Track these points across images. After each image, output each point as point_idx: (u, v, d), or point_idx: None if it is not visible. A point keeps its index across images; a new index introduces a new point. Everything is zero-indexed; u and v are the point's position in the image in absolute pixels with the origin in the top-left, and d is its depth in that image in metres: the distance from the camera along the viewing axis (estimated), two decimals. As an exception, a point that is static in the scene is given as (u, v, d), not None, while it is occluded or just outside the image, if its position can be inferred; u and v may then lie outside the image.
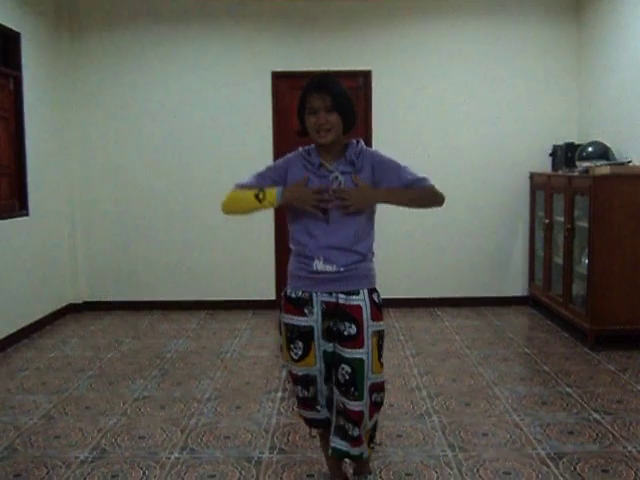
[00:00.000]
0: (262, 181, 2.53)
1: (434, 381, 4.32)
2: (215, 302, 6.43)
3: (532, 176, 6.34)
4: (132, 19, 6.31)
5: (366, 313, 2.47)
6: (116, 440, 3.44)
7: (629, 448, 3.24)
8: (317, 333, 2.50)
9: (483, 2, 6.30)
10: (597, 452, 3.21)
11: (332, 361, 2.52)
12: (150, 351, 5.12)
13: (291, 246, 2.58)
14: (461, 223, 6.45)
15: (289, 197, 2.45)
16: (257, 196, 2.46)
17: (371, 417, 2.57)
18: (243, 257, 6.40)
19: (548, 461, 3.12)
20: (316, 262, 2.46)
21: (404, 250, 6.44)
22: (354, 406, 2.49)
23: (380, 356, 2.53)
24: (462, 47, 6.32)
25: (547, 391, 4.10)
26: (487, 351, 4.99)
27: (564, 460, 3.13)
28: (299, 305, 2.51)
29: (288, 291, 2.56)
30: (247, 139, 6.34)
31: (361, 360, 2.46)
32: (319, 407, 2.62)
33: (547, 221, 5.85)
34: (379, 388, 2.56)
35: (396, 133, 6.32)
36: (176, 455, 3.26)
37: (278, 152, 6.18)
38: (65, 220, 6.35)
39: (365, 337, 2.45)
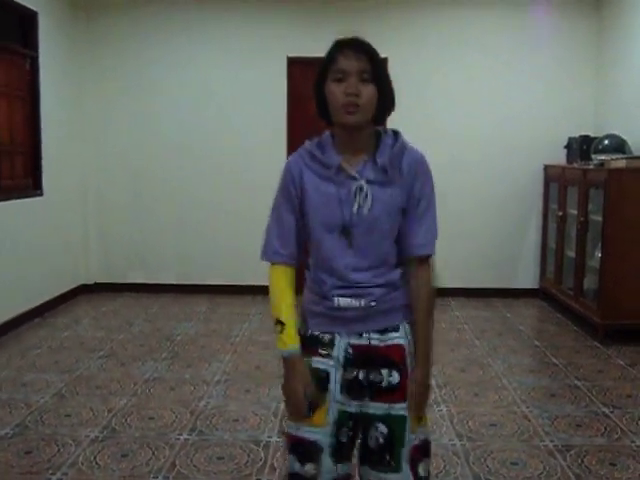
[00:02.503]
0: (284, 228, 1.87)
1: (443, 371, 4.32)
2: (226, 286, 6.46)
3: (546, 168, 6.30)
4: (149, 1, 6.29)
5: (410, 355, 1.83)
6: (126, 420, 3.48)
7: (637, 442, 3.24)
8: (334, 383, 1.81)
9: (502, -9, 6.25)
10: (605, 445, 3.21)
11: (345, 425, 1.84)
12: (161, 333, 5.15)
13: (307, 276, 1.93)
14: (473, 214, 6.42)
15: (284, 375, 1.84)
16: (277, 322, 1.83)
17: None
18: (255, 241, 6.41)
19: (556, 453, 3.13)
20: (337, 298, 1.81)
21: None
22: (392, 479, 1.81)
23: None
24: (479, 36, 6.27)
25: (556, 384, 4.10)
26: (497, 342, 4.99)
27: (572, 452, 3.13)
28: (314, 344, 1.84)
29: (302, 330, 1.87)
30: (261, 124, 6.33)
31: (402, 417, 1.80)
32: None
33: (560, 214, 5.82)
34: (424, 452, 1.85)
35: (411, 121, 6.21)
36: (185, 436, 3.28)
37: (292, 138, 6.18)
38: (79, 201, 6.38)
39: (409, 385, 1.82)
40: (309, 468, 1.81)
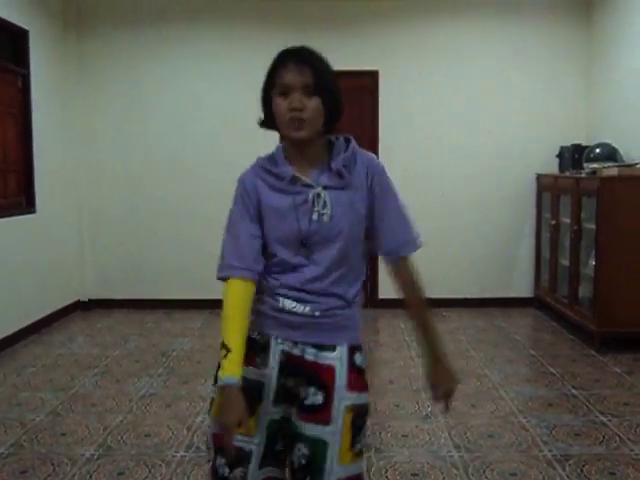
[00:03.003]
0: (242, 242, 1.79)
1: (440, 382, 4.31)
2: (221, 301, 6.42)
3: (539, 177, 6.32)
4: (139, 18, 6.32)
5: (340, 379, 1.74)
6: (122, 437, 3.45)
7: (636, 451, 3.23)
8: (267, 393, 1.76)
9: (493, 1, 6.29)
10: (604, 454, 3.20)
11: (278, 433, 1.79)
12: (156, 349, 5.13)
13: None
14: (467, 224, 6.44)
15: (220, 404, 1.70)
16: (222, 346, 1.72)
17: None
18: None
19: (555, 463, 3.12)
20: (282, 299, 1.77)
21: (410, 250, 6.42)
22: None
23: (355, 442, 1.74)
24: (470, 47, 6.31)
25: (553, 393, 4.09)
26: (493, 352, 4.99)
27: (570, 462, 3.12)
28: (251, 350, 1.76)
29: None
30: (254, 138, 6.29)
31: (323, 442, 1.71)
32: None
33: (553, 222, 5.84)
34: None
35: (403, 133, 6.31)
36: (182, 453, 3.26)
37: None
38: (72, 218, 6.37)
39: (334, 411, 1.72)
40: (237, 472, 1.75)
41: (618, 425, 3.55)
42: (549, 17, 6.29)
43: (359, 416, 1.76)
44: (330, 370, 1.74)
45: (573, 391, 4.11)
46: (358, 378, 1.78)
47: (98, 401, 4.00)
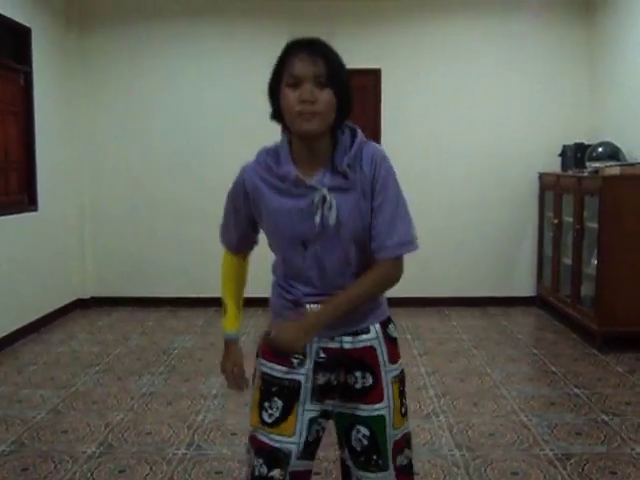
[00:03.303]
0: (228, 227, 1.97)
1: (441, 380, 4.31)
2: (219, 299, 6.42)
3: (541, 176, 6.31)
4: (141, 16, 6.32)
5: (382, 356, 1.80)
6: (123, 435, 3.45)
7: (637, 450, 3.23)
8: (305, 392, 1.77)
9: (494, 1, 6.28)
10: (605, 454, 3.20)
11: (312, 427, 1.80)
12: (157, 347, 5.12)
13: (273, 281, 1.90)
14: (470, 223, 6.43)
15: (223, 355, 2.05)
16: (222, 304, 2.07)
17: None
18: (252, 254, 6.40)
19: (556, 462, 3.11)
20: (310, 305, 1.76)
21: (412, 249, 6.41)
22: (379, 479, 1.80)
23: (402, 405, 1.84)
24: (472, 46, 6.30)
25: (555, 392, 4.09)
26: (495, 351, 4.98)
27: (572, 461, 3.12)
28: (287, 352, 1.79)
29: (272, 332, 1.82)
30: (256, 136, 6.27)
31: (382, 417, 1.78)
32: None
33: (556, 221, 5.83)
34: (402, 445, 1.83)
35: (405, 132, 6.30)
36: (183, 451, 3.26)
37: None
38: (74, 216, 6.37)
39: (385, 387, 1.79)
40: (276, 473, 1.76)
41: (620, 424, 3.55)
42: (548, 16, 6.28)
43: (402, 382, 1.86)
44: (371, 351, 1.79)
45: (575, 390, 4.10)
46: (394, 349, 1.86)
47: (99, 399, 4.00)
